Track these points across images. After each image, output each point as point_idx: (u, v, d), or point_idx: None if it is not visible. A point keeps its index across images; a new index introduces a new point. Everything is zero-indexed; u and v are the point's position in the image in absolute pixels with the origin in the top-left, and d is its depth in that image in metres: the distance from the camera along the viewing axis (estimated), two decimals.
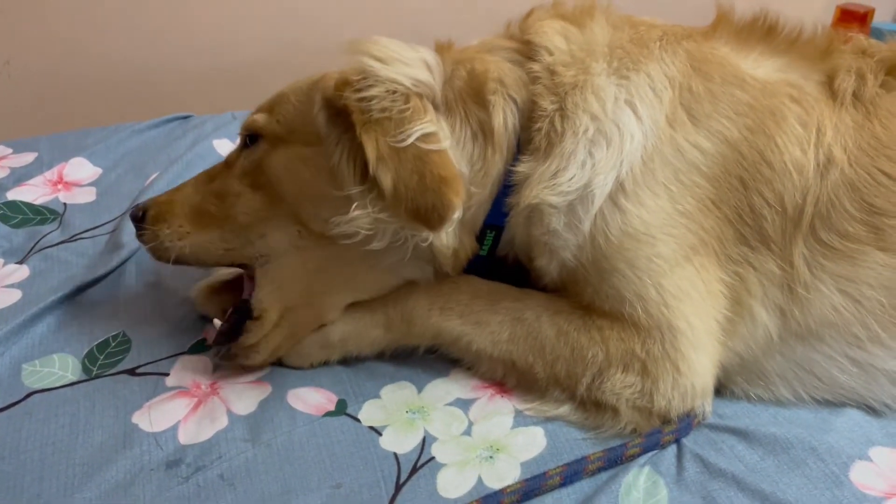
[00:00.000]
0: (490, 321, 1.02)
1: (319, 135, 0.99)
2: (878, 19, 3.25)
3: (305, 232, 1.02)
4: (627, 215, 0.97)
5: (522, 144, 1.02)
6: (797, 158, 0.98)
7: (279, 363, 1.06)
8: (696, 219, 0.98)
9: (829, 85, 1.03)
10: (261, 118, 1.06)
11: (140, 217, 1.08)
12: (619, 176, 0.97)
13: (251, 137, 1.06)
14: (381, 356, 1.08)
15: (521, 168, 1.00)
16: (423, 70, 0.98)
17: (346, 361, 1.07)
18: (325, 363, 1.06)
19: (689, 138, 0.99)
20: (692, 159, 0.98)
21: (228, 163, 1.10)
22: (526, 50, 1.05)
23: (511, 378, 1.02)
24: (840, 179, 0.97)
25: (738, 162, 0.98)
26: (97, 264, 1.25)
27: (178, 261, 1.06)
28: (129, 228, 1.31)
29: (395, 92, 0.94)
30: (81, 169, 1.54)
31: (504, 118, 1.01)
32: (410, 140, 0.92)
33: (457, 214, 0.93)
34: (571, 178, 0.97)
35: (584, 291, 1.00)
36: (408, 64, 0.97)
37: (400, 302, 1.06)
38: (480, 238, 1.05)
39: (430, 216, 0.92)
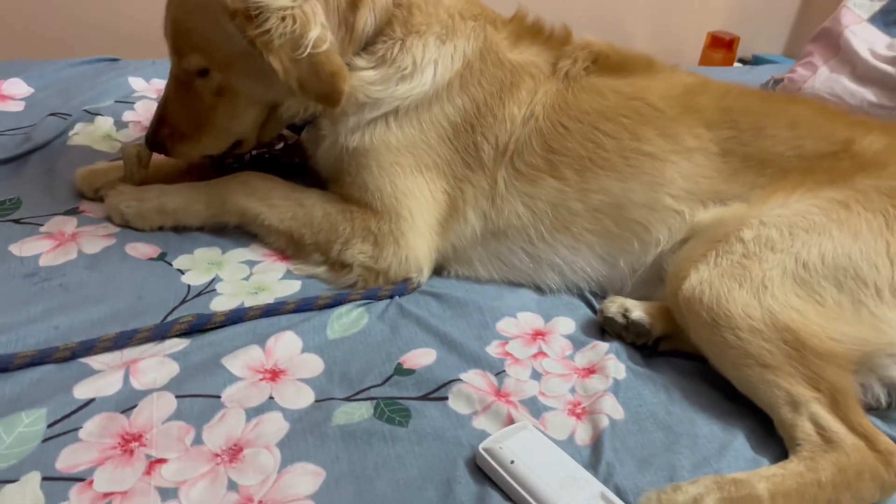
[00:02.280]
0: (281, 205, 1.40)
1: (251, 53, 1.26)
2: (767, 50, 3.67)
3: (263, 108, 1.40)
4: (389, 131, 1.37)
5: (369, 44, 1.39)
6: (513, 113, 1.38)
7: (126, 225, 1.43)
8: (435, 148, 1.38)
9: (555, 65, 1.44)
10: (197, 60, 1.32)
11: (161, 146, 1.42)
12: (399, 105, 1.37)
13: (200, 72, 1.34)
14: (205, 230, 1.45)
15: (359, 62, 1.38)
16: None
17: (177, 230, 1.45)
18: (161, 228, 1.43)
19: (451, 97, 1.39)
20: (447, 111, 1.39)
21: (184, 84, 1.37)
22: None
23: (290, 248, 1.40)
24: (534, 127, 1.38)
25: (475, 114, 1.39)
26: (9, 152, 1.62)
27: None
28: (42, 129, 1.70)
29: (284, 18, 1.22)
30: (17, 87, 1.90)
31: (365, 23, 1.36)
32: (306, 52, 1.25)
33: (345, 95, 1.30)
34: (377, 90, 1.37)
35: (344, 181, 1.40)
36: None
37: (220, 186, 1.43)
38: None
39: (331, 99, 1.30)
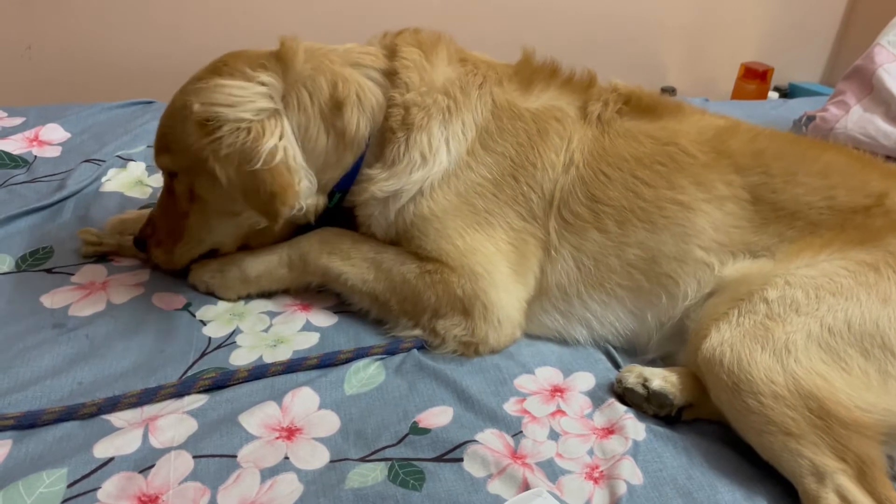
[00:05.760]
0: (361, 265, 1.39)
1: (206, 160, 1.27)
2: (804, 79, 3.61)
3: (238, 221, 1.40)
4: (419, 206, 1.35)
5: (375, 150, 1.38)
6: (552, 160, 1.37)
7: (210, 293, 1.43)
8: (479, 206, 1.36)
9: (584, 109, 1.43)
10: (167, 160, 1.36)
11: (143, 245, 1.44)
12: (422, 187, 1.35)
13: (171, 174, 1.38)
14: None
15: (368, 170, 1.37)
16: (265, 99, 1.27)
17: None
18: (248, 296, 1.43)
19: (479, 159, 1.38)
20: (478, 171, 1.37)
21: (168, 188, 1.41)
22: (391, 75, 1.39)
23: (374, 308, 1.39)
24: (576, 175, 1.36)
25: (512, 166, 1.37)
26: (44, 198, 1.67)
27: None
28: (76, 176, 1.76)
29: (238, 129, 1.23)
30: (55, 132, 1.97)
31: (356, 124, 1.36)
32: (257, 166, 1.24)
33: (287, 215, 1.29)
34: (391, 184, 1.36)
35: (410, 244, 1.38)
36: (251, 100, 1.26)
37: (298, 247, 1.42)
38: (331, 195, 1.42)
39: (268, 217, 1.30)
